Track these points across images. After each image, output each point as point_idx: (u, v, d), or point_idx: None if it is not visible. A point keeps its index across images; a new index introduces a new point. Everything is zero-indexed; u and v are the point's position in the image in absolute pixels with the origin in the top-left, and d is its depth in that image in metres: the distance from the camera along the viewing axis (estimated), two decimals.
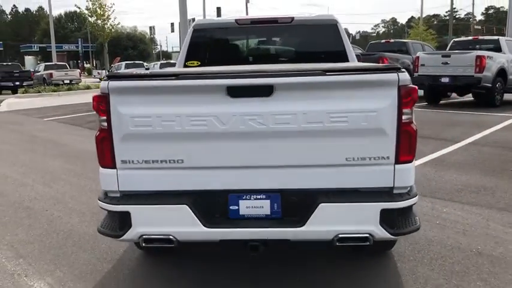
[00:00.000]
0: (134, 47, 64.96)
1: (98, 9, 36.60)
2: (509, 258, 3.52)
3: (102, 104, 2.62)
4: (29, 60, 55.39)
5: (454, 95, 15.04)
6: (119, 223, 2.70)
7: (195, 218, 2.61)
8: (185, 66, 4.65)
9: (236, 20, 4.62)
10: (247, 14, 47.15)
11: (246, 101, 2.54)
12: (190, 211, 2.60)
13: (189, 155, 2.63)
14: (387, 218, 2.57)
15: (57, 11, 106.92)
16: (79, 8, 40.65)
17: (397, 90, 2.51)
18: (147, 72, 2.77)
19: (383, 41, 18.29)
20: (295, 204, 2.66)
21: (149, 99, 2.59)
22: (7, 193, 5.71)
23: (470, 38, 15.62)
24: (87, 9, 37.21)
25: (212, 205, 2.69)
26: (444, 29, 67.78)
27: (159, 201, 2.65)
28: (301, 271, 3.39)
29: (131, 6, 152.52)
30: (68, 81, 29.35)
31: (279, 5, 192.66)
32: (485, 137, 8.31)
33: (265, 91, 2.53)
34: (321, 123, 2.53)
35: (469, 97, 13.97)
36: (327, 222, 2.58)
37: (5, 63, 31.52)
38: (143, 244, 2.71)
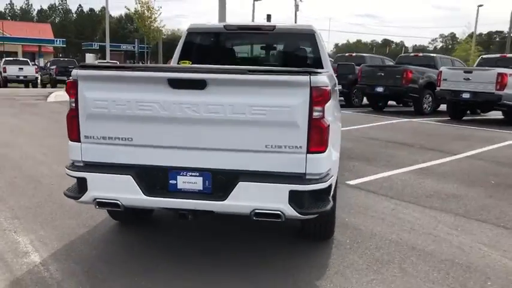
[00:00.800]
0: None
1: (146, 12, 38.05)
2: (436, 254, 3.85)
3: (72, 88, 3.21)
4: (89, 58, 58.18)
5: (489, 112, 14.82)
6: (78, 187, 3.27)
7: (137, 187, 3.14)
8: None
9: (224, 25, 5.16)
10: (295, 22, 47.46)
11: (183, 92, 3.06)
12: (134, 181, 3.14)
13: (136, 135, 3.17)
14: (295, 198, 3.01)
15: (118, 11, 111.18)
16: (128, 9, 42.35)
17: (309, 90, 2.95)
18: (111, 64, 3.34)
19: (412, 54, 18.42)
20: (223, 182, 3.14)
21: (107, 86, 3.15)
22: (25, 169, 6.46)
23: (498, 55, 15.47)
24: (135, 11, 38.78)
25: (154, 178, 3.22)
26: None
27: (110, 171, 3.20)
28: (248, 250, 3.86)
29: (191, 10, 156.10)
30: None
31: (333, 14, 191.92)
32: (486, 152, 8.43)
33: (200, 85, 3.03)
34: (243, 114, 3.01)
35: (499, 114, 13.79)
36: (244, 198, 3.05)
37: (61, 59, 33.51)
38: (96, 207, 3.27)
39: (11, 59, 31.35)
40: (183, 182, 3.20)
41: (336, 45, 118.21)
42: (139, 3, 37.65)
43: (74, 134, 3.27)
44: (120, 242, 4.01)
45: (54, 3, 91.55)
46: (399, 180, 6.19)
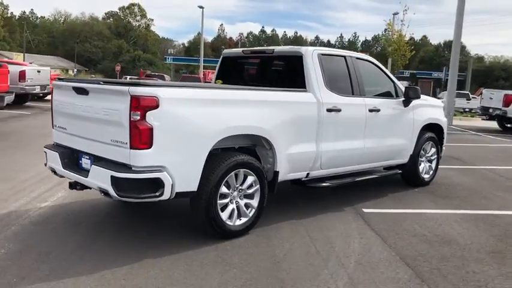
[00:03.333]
0: (507, 78, 61.59)
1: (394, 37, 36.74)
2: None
3: (52, 93, 4.90)
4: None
5: None
6: (46, 159, 4.90)
7: (60, 161, 4.55)
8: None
9: (242, 50, 6.00)
10: None
11: (80, 97, 4.32)
12: (59, 157, 4.56)
13: (67, 126, 4.59)
14: (116, 183, 3.83)
15: (437, 40, 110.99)
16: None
17: (129, 98, 3.77)
18: (73, 78, 4.88)
19: None
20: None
21: (60, 92, 4.69)
22: None
23: None
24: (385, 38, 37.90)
25: (72, 157, 4.55)
26: None
27: (54, 149, 4.71)
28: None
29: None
30: None
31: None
32: None
33: (85, 92, 4.24)
34: (99, 114, 4.05)
35: None
36: (93, 178, 4.06)
37: None
38: (52, 172, 4.82)
39: None
40: (84, 162, 4.43)
41: None
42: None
43: (51, 124, 4.93)
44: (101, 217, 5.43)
45: (378, 34, 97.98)
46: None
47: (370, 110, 5.79)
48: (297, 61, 5.31)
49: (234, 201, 4.51)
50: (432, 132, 7.07)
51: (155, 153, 3.84)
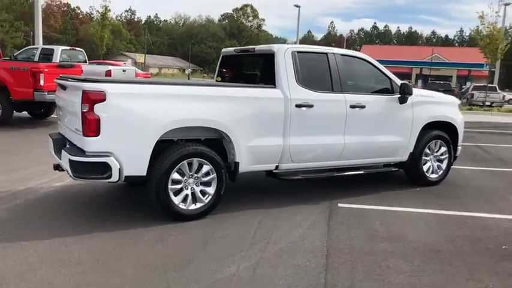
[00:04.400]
0: None
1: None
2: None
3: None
4: None
5: None
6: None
7: (52, 147, 5.38)
8: (216, 81, 6.78)
9: (234, 49, 6.40)
10: None
11: (62, 92, 5.10)
12: (52, 143, 5.39)
13: (60, 117, 5.41)
14: (71, 165, 4.52)
15: None
16: None
17: (81, 92, 4.42)
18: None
19: None
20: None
21: (57, 88, 5.52)
22: None
23: None
24: None
25: (62, 143, 5.33)
26: None
27: (53, 136, 5.54)
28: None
29: None
30: (489, 103, 30.15)
31: None
32: None
33: (64, 88, 5.01)
34: (69, 106, 4.78)
35: None
36: (63, 160, 4.80)
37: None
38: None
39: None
40: (67, 147, 5.20)
41: None
42: None
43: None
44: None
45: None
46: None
47: (352, 106, 5.84)
48: (270, 59, 5.59)
49: (190, 188, 4.96)
50: (442, 130, 6.82)
51: (103, 141, 4.45)
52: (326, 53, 5.90)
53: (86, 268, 3.76)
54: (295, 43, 55.02)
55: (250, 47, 6.24)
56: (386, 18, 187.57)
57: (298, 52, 5.64)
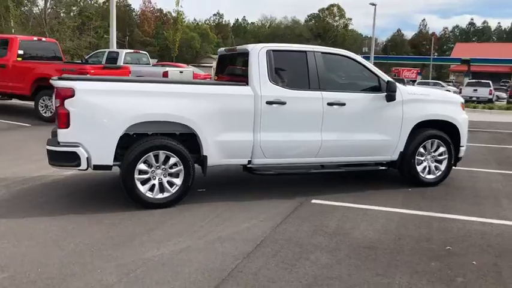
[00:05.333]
0: None
1: None
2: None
3: None
4: None
5: None
6: None
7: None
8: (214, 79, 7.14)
9: (224, 49, 6.72)
10: None
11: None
12: (51, 135, 6.06)
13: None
14: (48, 154, 5.11)
15: None
16: None
17: (55, 90, 5.00)
18: None
19: None
20: None
21: None
22: None
23: None
24: None
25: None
26: None
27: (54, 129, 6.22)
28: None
29: None
30: None
31: None
32: None
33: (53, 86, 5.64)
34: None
35: None
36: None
37: None
38: None
39: (474, 81, 32.88)
40: None
41: None
42: None
43: None
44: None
45: None
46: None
47: (330, 104, 5.88)
48: (245, 58, 5.82)
49: (157, 178, 5.35)
50: (442, 130, 6.57)
51: (72, 132, 4.99)
52: (305, 51, 5.99)
53: (36, 243, 4.30)
54: (375, 42, 53.66)
55: (234, 47, 6.51)
56: (487, 13, 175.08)
57: (274, 51, 5.82)
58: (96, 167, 5.15)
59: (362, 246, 4.38)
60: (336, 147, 6.04)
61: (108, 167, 5.22)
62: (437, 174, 6.66)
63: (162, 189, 5.38)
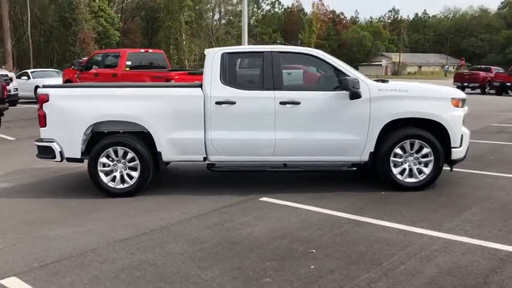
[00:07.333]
0: None
1: None
2: None
3: None
4: None
5: None
6: None
7: None
8: None
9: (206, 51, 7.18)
10: None
11: None
12: None
13: None
14: (38, 149, 6.29)
15: None
16: None
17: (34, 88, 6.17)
18: None
19: None
20: None
21: None
22: None
23: None
24: None
25: None
26: None
27: None
28: None
29: None
30: None
31: None
32: None
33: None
34: None
35: None
36: None
37: None
38: None
39: None
40: None
41: None
42: None
43: None
44: None
45: None
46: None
47: (283, 103, 5.88)
48: None
49: (119, 170, 6.12)
50: (428, 129, 5.95)
51: (48, 130, 6.10)
52: (262, 52, 6.10)
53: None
54: None
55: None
56: None
57: (229, 53, 6.09)
58: (68, 159, 6.18)
59: (251, 245, 4.41)
60: (293, 146, 6.00)
61: (79, 160, 6.18)
62: (421, 178, 6.02)
63: (123, 180, 6.13)
